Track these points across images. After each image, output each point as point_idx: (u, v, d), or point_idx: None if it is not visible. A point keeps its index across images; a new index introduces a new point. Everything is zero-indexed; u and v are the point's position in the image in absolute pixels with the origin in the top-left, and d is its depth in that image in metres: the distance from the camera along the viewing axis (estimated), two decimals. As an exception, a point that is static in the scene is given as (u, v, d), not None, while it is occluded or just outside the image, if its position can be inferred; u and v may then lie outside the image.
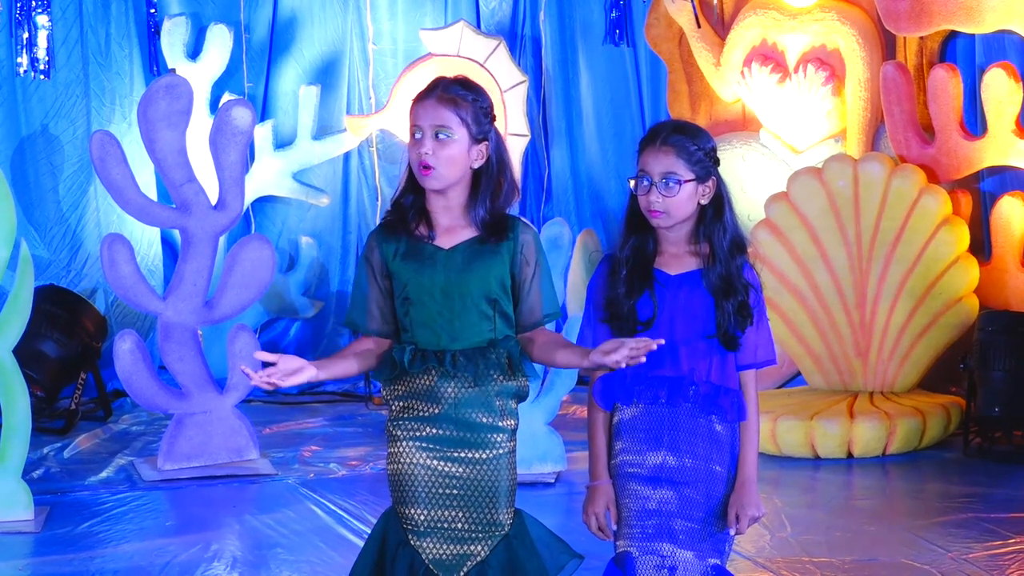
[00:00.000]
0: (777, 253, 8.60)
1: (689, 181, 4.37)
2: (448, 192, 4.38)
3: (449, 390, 4.41)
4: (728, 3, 9.58)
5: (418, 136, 4.35)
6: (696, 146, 4.38)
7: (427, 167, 4.33)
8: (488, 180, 4.40)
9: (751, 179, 9.28)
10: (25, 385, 7.30)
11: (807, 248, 8.63)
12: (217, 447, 8.10)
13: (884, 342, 8.55)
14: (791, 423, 8.06)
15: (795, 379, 9.02)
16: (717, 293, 4.38)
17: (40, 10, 9.45)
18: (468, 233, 4.40)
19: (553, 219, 8.05)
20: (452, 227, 4.41)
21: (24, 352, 7.46)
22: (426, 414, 4.42)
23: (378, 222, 4.57)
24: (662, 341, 4.18)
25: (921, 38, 8.91)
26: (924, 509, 7.29)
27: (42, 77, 9.55)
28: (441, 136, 4.32)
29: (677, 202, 4.38)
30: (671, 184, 4.36)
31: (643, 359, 4.18)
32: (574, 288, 8.42)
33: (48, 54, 9.51)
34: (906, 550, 6.60)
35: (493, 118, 4.41)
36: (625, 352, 4.18)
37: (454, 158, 4.32)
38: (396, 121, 9.58)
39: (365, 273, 4.46)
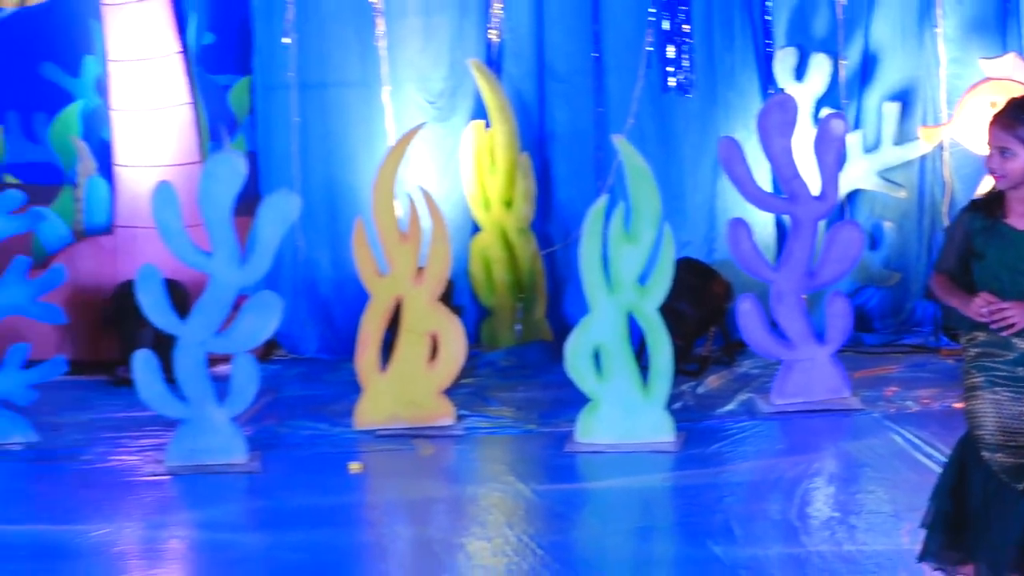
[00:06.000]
0: None
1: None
2: (1020, 188, 4.79)
3: (1020, 343, 4.79)
4: None
5: (991, 152, 4.82)
6: None
7: (997, 176, 4.82)
8: None
9: None
10: (667, 336, 7.77)
11: None
12: (817, 387, 8.37)
13: None
14: None
15: None
16: None
17: (682, 39, 9.86)
18: None
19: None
20: None
21: (666, 310, 7.85)
22: (1000, 358, 4.80)
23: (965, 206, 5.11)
24: None
25: None
26: None
27: (686, 93, 9.92)
28: (1005, 154, 4.75)
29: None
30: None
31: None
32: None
33: (689, 74, 9.86)
34: None
35: None
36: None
37: (1015, 169, 4.76)
38: (962, 132, 9.63)
39: (952, 234, 4.92)
